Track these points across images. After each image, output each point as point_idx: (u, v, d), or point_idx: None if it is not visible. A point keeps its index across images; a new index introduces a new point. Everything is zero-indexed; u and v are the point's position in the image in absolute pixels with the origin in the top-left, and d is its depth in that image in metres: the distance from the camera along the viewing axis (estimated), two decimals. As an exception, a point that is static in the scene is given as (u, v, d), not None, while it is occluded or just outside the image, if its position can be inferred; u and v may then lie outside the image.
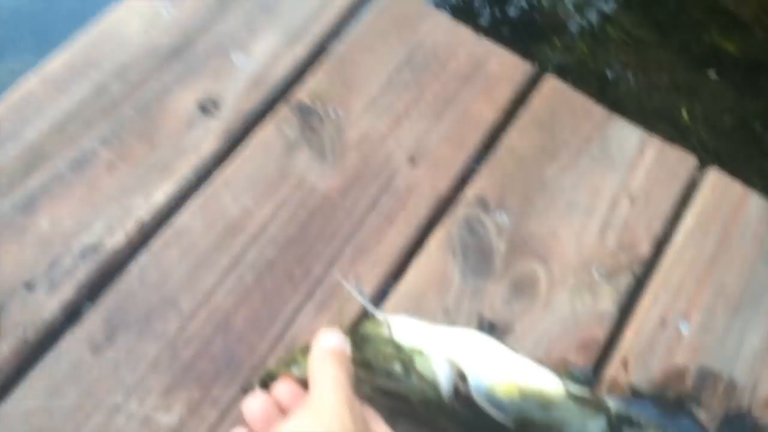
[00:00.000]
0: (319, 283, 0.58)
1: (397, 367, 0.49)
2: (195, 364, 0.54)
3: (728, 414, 0.57)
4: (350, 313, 0.57)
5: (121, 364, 0.53)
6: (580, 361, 0.58)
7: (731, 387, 0.58)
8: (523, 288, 0.61)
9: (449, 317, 0.58)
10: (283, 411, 0.46)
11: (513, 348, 0.57)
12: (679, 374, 0.59)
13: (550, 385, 0.52)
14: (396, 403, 0.49)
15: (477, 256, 0.62)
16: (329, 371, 0.44)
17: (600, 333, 0.60)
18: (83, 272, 0.55)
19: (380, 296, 0.59)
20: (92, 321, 0.54)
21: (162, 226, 0.58)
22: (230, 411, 0.52)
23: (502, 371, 0.51)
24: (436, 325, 0.54)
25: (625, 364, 0.59)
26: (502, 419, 0.49)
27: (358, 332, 0.51)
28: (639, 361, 0.59)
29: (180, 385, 0.53)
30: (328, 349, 0.46)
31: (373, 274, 0.59)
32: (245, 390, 0.53)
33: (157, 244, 0.57)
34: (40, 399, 0.51)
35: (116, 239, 0.57)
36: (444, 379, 0.49)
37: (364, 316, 0.57)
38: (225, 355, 0.54)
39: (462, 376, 0.49)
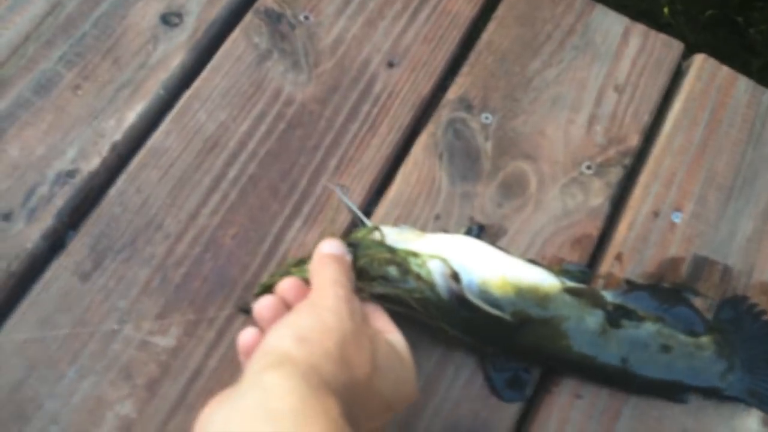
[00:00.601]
0: (305, 196, 0.57)
1: (393, 271, 0.48)
2: (187, 285, 0.53)
3: (724, 300, 0.58)
4: (341, 224, 0.56)
5: (112, 290, 0.52)
6: (575, 259, 0.58)
7: (727, 274, 0.59)
8: (512, 188, 0.60)
9: (440, 223, 0.58)
10: (289, 308, 0.46)
11: (506, 250, 0.57)
12: (673, 265, 0.59)
13: (545, 280, 0.52)
14: (395, 307, 0.49)
15: (464, 159, 0.60)
16: (328, 272, 0.45)
17: (593, 229, 0.59)
18: (61, 199, 0.53)
19: (368, 206, 0.58)
20: (77, 249, 0.53)
21: (137, 148, 0.56)
22: (227, 330, 0.52)
23: (495, 269, 0.51)
24: (426, 232, 0.53)
25: (619, 259, 0.59)
26: (500, 315, 0.49)
27: (350, 242, 0.50)
28: (633, 254, 0.59)
29: (174, 308, 0.52)
30: (328, 254, 0.46)
31: (359, 184, 0.58)
32: (241, 309, 0.52)
33: (134, 166, 0.55)
34: (32, 330, 0.50)
35: (91, 164, 0.55)
36: (440, 279, 0.49)
37: (355, 226, 0.56)
38: (217, 275, 0.54)
39: (455, 276, 0.49)
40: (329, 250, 0.47)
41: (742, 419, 0.55)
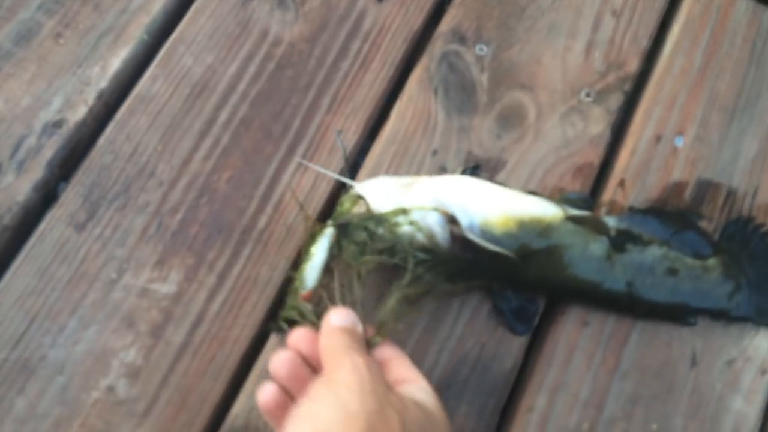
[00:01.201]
0: (299, 136, 0.56)
1: (389, 235, 0.47)
2: (184, 231, 0.52)
3: (729, 221, 0.57)
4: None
5: (108, 239, 0.51)
6: (576, 188, 0.57)
7: (731, 196, 0.58)
8: (510, 120, 0.59)
9: (438, 158, 0.56)
10: (305, 360, 0.44)
11: (507, 183, 0.56)
12: (677, 189, 0.58)
13: (547, 211, 0.52)
14: (403, 271, 0.48)
15: (459, 92, 0.59)
16: (341, 342, 0.41)
17: (594, 156, 0.58)
18: (50, 150, 0.52)
19: (364, 145, 0.57)
20: (70, 200, 0.52)
21: (124, 95, 0.55)
22: (228, 274, 0.52)
23: (495, 206, 0.50)
24: (417, 177, 0.52)
25: (622, 186, 0.58)
26: (503, 252, 0.49)
27: (340, 224, 0.48)
28: (636, 180, 0.58)
29: (173, 254, 0.52)
30: (337, 327, 0.43)
31: (353, 123, 0.57)
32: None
33: (122, 114, 0.54)
34: (30, 283, 0.49)
35: (78, 113, 0.54)
36: (437, 228, 0.48)
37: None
38: (213, 220, 0.53)
39: (452, 220, 0.48)
40: (338, 322, 0.43)
41: (752, 339, 0.54)
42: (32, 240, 0.50)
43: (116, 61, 0.55)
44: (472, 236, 0.48)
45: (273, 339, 0.50)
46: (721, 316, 0.54)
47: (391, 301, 0.46)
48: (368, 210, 0.49)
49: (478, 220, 0.49)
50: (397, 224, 0.48)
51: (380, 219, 0.48)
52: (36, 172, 0.52)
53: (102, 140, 0.53)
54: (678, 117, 0.60)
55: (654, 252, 0.53)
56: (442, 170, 0.56)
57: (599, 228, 0.52)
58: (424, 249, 0.48)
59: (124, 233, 0.51)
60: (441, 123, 0.58)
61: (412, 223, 0.48)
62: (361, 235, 0.48)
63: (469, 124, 0.58)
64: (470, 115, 0.58)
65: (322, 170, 0.54)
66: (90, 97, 0.54)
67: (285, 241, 0.53)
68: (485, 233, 0.49)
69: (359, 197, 0.49)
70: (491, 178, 0.56)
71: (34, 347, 0.48)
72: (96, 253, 0.51)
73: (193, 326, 0.50)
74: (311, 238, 0.49)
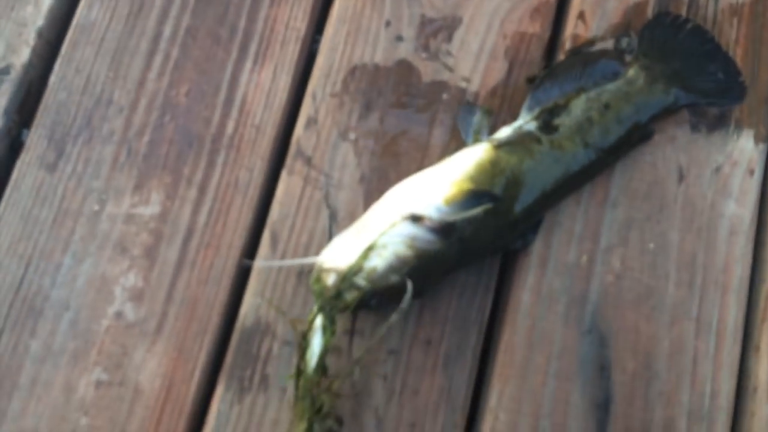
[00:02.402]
0: (249, 35, 0.55)
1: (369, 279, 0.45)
2: (155, 152, 0.52)
3: (645, 25, 0.55)
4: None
5: (82, 174, 0.51)
6: (537, 30, 0.56)
7: (694, 3, 0.56)
8: (459, -24, 0.57)
9: (392, 30, 0.55)
10: None
11: (466, 40, 0.55)
12: (638, 10, 0.56)
13: (479, 156, 0.49)
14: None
15: (403, -42, 0.57)
16: None
17: (549, -4, 0.57)
18: (3, 98, 0.52)
19: (318, 26, 0.56)
20: (36, 144, 0.51)
21: (64, 29, 0.54)
22: (207, 184, 0.52)
23: (438, 185, 0.48)
24: (363, 216, 0.48)
25: (582, 18, 0.56)
26: (482, 209, 0.47)
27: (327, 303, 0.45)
28: (596, 9, 0.56)
29: (149, 177, 0.52)
30: None
31: (300, 8, 0.55)
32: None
33: (66, 48, 0.53)
34: (17, 230, 0.50)
35: (22, 56, 0.53)
36: (410, 233, 0.46)
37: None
38: (181, 135, 0.52)
39: (419, 218, 0.46)
40: None
41: (735, 142, 0.54)
42: (8, 190, 0.51)
43: (47, -5, 0.54)
44: (446, 218, 0.46)
45: (266, 237, 0.51)
46: (671, 112, 0.54)
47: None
48: (343, 271, 0.45)
49: (438, 203, 0.47)
50: (372, 265, 0.45)
51: (356, 270, 0.45)
52: (-6, 122, 0.51)
53: (53, 78, 0.53)
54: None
55: (578, 105, 0.51)
56: (399, 40, 0.55)
57: (524, 132, 0.51)
58: (415, 259, 0.46)
59: (97, 165, 0.51)
60: (389, -7, 0.56)
61: (384, 247, 0.45)
62: (350, 295, 0.45)
63: (418, -11, 0.56)
64: (417, -20, 0.57)
65: (287, 263, 0.50)
66: (30, 37, 0.53)
67: (257, 141, 0.53)
68: (453, 207, 0.47)
69: (327, 269, 0.46)
70: (449, 39, 0.55)
71: (36, 290, 0.49)
72: (73, 189, 0.51)
73: (185, 241, 0.51)
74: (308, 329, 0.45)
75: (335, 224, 0.51)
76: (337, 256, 0.46)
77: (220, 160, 0.52)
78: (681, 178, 0.53)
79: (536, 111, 0.52)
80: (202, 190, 0.52)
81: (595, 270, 0.51)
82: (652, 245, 0.52)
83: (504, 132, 0.51)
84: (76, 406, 0.47)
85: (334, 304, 0.45)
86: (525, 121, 0.51)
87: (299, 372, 0.44)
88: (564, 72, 0.53)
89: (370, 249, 0.45)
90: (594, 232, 0.52)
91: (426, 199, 0.47)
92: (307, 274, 0.50)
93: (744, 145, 0.54)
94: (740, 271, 0.52)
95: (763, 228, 0.54)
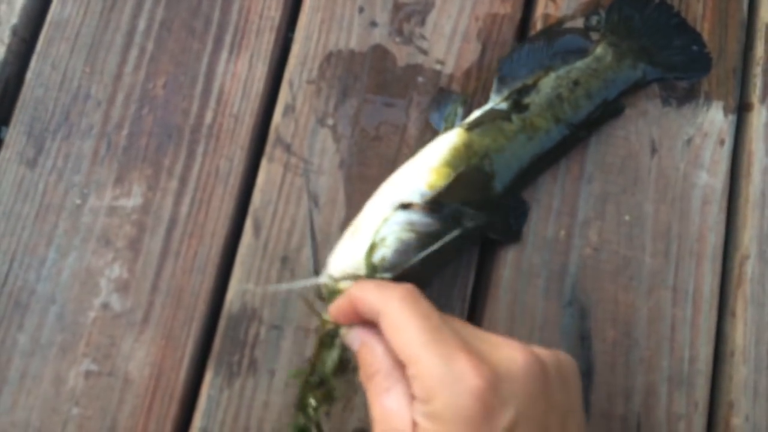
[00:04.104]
0: (223, 26, 0.55)
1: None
2: (135, 145, 0.52)
3: (612, 2, 0.56)
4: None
5: (63, 169, 0.52)
6: (508, 11, 0.57)
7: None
8: (430, -39, 0.58)
9: (366, 16, 0.56)
10: None
11: (438, 23, 0.55)
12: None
13: (453, 139, 0.49)
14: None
15: (374, -55, 0.58)
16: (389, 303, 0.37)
17: (519, -23, 0.58)
18: (-21, 96, 0.52)
19: (292, 13, 0.56)
20: (15, 139, 0.52)
21: (38, 26, 0.54)
22: (188, 175, 0.52)
23: (419, 173, 0.48)
24: (355, 224, 0.48)
25: (551, -1, 0.57)
26: (457, 177, 0.48)
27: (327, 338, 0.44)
28: (564, -11, 0.57)
29: (130, 169, 0.52)
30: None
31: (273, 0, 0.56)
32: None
33: (41, 45, 0.53)
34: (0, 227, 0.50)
35: (-3, 54, 0.53)
36: (408, 219, 0.46)
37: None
38: (160, 127, 0.53)
39: (408, 204, 0.47)
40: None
41: (705, 114, 0.55)
42: (-11, 188, 0.51)
43: (19, -7, 0.54)
44: (429, 196, 0.47)
45: (249, 224, 0.51)
46: (640, 87, 0.55)
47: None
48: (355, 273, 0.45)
49: (423, 189, 0.47)
50: (380, 257, 0.45)
51: (368, 267, 0.44)
52: (-29, 119, 0.52)
53: (29, 75, 0.53)
54: None
55: (547, 83, 0.52)
56: (373, 25, 0.56)
57: (494, 113, 0.51)
58: (418, 241, 0.46)
59: (77, 159, 0.52)
60: (361, -21, 0.57)
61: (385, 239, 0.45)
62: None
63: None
64: (389, -34, 0.57)
65: (294, 285, 0.49)
66: (4, 35, 0.53)
67: (235, 130, 0.53)
68: (439, 191, 0.47)
69: (335, 281, 0.45)
70: (422, 22, 0.56)
71: (21, 285, 0.49)
72: (54, 184, 0.51)
73: (168, 231, 0.51)
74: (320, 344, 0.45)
75: (317, 211, 0.52)
76: (342, 263, 0.45)
77: (200, 150, 0.53)
78: (654, 151, 0.54)
79: (505, 92, 0.52)
80: (183, 180, 0.52)
81: (573, 244, 0.53)
82: (627, 217, 0.53)
83: (475, 116, 0.52)
84: (67, 398, 0.48)
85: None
86: (495, 104, 0.52)
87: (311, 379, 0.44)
88: (530, 52, 0.54)
89: (372, 248, 0.45)
90: (571, 206, 0.53)
91: (409, 188, 0.47)
92: (291, 260, 0.51)
93: (714, 117, 0.55)
94: (714, 239, 0.53)
95: (734, 197, 0.55)
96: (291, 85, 0.54)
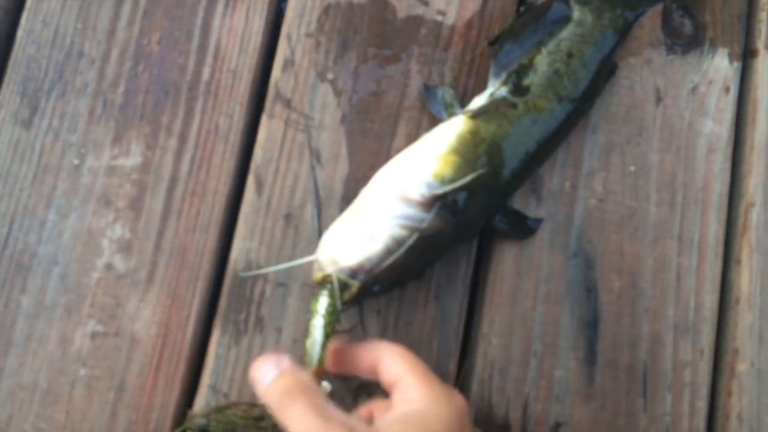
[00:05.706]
0: (218, -21, 0.54)
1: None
2: (131, 102, 0.51)
3: None
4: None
5: (59, 129, 0.50)
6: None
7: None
8: None
9: None
10: None
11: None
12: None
13: (458, 128, 0.48)
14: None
15: None
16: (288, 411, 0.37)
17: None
18: (-30, 55, 0.51)
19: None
20: (8, 99, 0.50)
21: (27, -20, 0.52)
22: (187, 132, 0.51)
23: (425, 160, 0.47)
24: (355, 205, 0.47)
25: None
26: (474, 177, 0.46)
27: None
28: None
29: (127, 128, 0.51)
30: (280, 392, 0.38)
31: (270, -49, 0.54)
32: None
33: (31, 2, 0.52)
34: (-2, 190, 0.49)
35: (-14, 11, 0.52)
36: (408, 210, 0.45)
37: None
38: (156, 84, 0.52)
39: (409, 197, 0.45)
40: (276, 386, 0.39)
41: (710, 62, 0.55)
42: (-16, 149, 0.50)
43: (5, -54, 0.52)
44: (439, 191, 0.45)
45: (251, 182, 0.51)
46: (626, 34, 0.54)
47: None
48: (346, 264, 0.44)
49: (428, 179, 0.45)
50: (370, 251, 0.44)
51: (356, 261, 0.44)
52: (-37, 79, 0.50)
53: (20, 32, 0.51)
54: None
55: (542, 60, 0.51)
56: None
57: (497, 99, 0.50)
58: (411, 239, 0.45)
59: (73, 119, 0.51)
60: (358, -71, 0.55)
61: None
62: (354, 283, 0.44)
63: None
64: None
65: (286, 265, 0.48)
66: (-8, -8, 0.52)
67: (234, 86, 0.52)
68: (443, 181, 0.46)
69: (327, 262, 0.44)
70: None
71: (22, 247, 0.49)
72: (51, 144, 0.50)
73: (169, 190, 0.50)
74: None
75: (319, 167, 0.51)
76: (335, 246, 0.44)
77: (198, 107, 0.52)
78: (658, 99, 0.54)
79: (503, 76, 0.51)
80: (183, 138, 0.51)
81: (578, 195, 0.52)
82: (632, 167, 0.53)
83: (477, 102, 0.51)
84: (74, 358, 0.47)
85: (338, 294, 0.43)
86: (495, 88, 0.51)
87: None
88: (520, 30, 0.52)
89: (366, 239, 0.44)
90: (576, 158, 0.53)
91: (414, 176, 0.46)
92: (295, 217, 0.50)
93: (719, 64, 0.55)
94: (719, 187, 0.53)
95: (739, 145, 0.55)
96: (289, 39, 0.53)
